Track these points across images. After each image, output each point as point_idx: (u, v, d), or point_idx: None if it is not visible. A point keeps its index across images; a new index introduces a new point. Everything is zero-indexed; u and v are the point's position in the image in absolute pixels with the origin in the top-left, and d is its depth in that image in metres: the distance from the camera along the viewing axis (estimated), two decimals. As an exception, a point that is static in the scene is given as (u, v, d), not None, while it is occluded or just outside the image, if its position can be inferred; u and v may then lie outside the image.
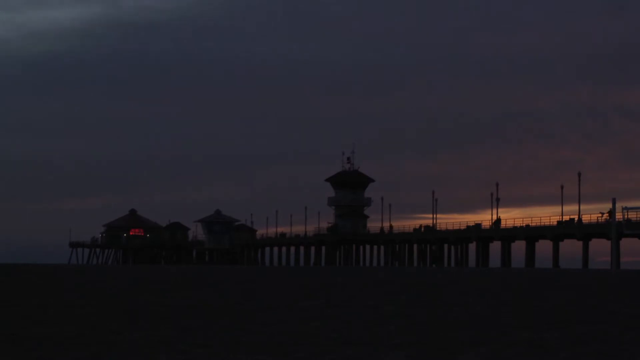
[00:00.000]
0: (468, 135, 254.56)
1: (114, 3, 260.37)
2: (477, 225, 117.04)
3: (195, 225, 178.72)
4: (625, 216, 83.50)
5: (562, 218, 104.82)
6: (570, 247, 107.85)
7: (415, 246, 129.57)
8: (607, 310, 18.61)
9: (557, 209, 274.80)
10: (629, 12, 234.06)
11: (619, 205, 77.62)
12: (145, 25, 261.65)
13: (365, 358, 10.59)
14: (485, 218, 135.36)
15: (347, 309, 18.57)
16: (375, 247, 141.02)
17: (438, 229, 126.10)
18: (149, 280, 39.57)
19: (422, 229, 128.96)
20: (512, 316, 16.68)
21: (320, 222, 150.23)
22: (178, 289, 29.02)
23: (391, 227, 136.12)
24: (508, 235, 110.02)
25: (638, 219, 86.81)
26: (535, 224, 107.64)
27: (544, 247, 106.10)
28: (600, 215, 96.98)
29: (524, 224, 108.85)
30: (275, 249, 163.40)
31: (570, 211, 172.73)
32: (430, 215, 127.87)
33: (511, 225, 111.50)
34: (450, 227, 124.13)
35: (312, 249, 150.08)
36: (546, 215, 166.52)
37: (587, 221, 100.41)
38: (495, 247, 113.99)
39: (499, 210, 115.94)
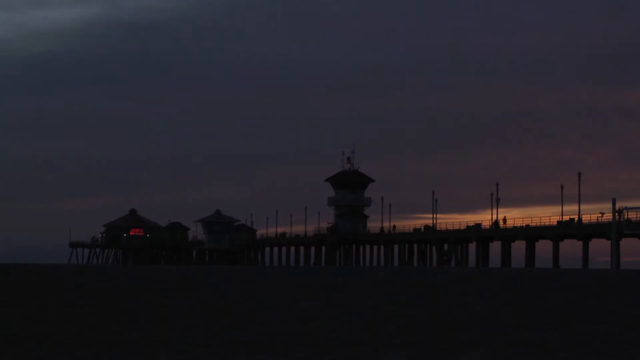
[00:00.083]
0: (468, 135, 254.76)
1: (114, 3, 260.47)
2: (477, 225, 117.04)
3: (195, 225, 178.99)
4: (625, 216, 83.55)
5: (562, 218, 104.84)
6: (570, 247, 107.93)
7: (415, 246, 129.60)
8: (607, 310, 18.61)
9: (557, 209, 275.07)
10: (629, 12, 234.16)
11: (618, 205, 77.63)
12: (145, 25, 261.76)
13: (365, 358, 10.59)
14: (485, 218, 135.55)
15: (347, 309, 18.57)
16: (375, 247, 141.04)
17: (438, 229, 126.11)
18: (149, 280, 39.57)
19: (423, 229, 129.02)
20: (512, 316, 16.68)
21: (320, 222, 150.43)
22: (178, 289, 29.02)
23: (394, 227, 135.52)
24: (508, 235, 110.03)
25: (638, 219, 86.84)
26: (535, 224, 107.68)
27: (544, 247, 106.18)
28: (600, 215, 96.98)
29: (524, 224, 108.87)
30: (275, 249, 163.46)
31: (570, 211, 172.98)
32: (430, 215, 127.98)
33: (511, 225, 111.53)
34: (450, 227, 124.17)
35: (312, 249, 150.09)
36: (546, 215, 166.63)
37: (587, 221, 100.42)
38: (495, 247, 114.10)
39: (499, 210, 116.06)
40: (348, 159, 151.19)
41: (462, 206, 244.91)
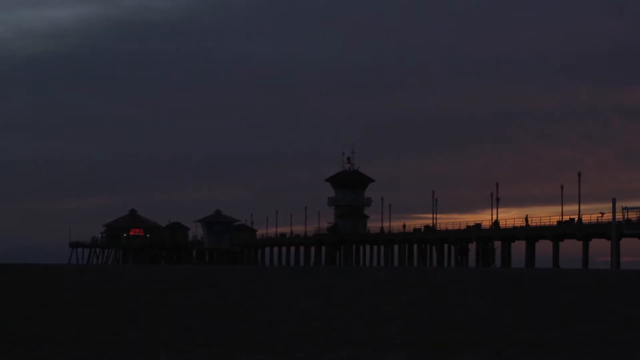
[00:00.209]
0: (468, 135, 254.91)
1: (114, 3, 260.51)
2: (477, 225, 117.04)
3: (195, 225, 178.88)
4: (625, 216, 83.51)
5: (562, 218, 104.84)
6: (570, 247, 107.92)
7: (415, 246, 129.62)
8: (607, 310, 18.61)
9: (557, 209, 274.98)
10: (629, 12, 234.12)
11: (618, 205, 77.62)
12: (145, 25, 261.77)
13: (365, 358, 10.59)
14: (485, 218, 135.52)
15: (347, 309, 18.57)
16: (375, 247, 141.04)
17: (438, 229, 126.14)
18: (149, 280, 39.57)
19: (422, 229, 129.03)
20: (512, 316, 16.68)
21: (320, 222, 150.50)
22: (178, 289, 29.02)
23: (404, 226, 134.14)
24: (508, 235, 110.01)
25: (638, 219, 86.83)
26: (535, 224, 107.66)
27: (544, 247, 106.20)
28: (600, 215, 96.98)
29: (524, 224, 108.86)
30: (275, 249, 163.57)
31: (570, 211, 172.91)
32: (430, 215, 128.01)
33: (511, 225, 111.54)
34: (450, 227, 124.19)
35: (312, 249, 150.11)
36: (546, 215, 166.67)
37: (587, 221, 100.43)
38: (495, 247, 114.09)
39: (499, 210, 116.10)
40: (348, 159, 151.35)
41: (462, 206, 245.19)
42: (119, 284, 35.38)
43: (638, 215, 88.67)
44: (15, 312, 17.99)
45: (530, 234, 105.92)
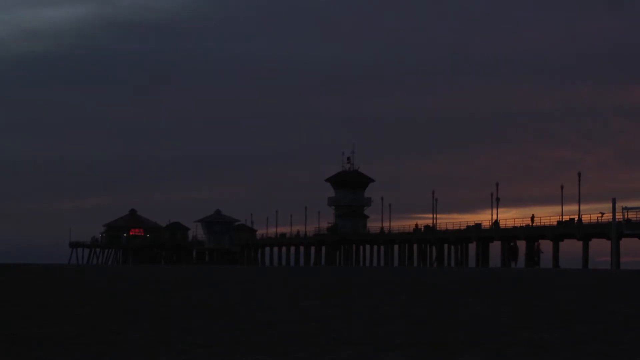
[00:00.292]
0: (468, 135, 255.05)
1: (113, 3, 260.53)
2: (477, 225, 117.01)
3: (195, 225, 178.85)
4: (625, 216, 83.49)
5: (562, 218, 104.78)
6: (570, 247, 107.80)
7: (415, 246, 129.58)
8: (607, 310, 18.60)
9: (557, 209, 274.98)
10: (629, 12, 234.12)
11: (618, 205, 77.68)
12: (145, 25, 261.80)
13: (365, 358, 10.59)
14: (485, 218, 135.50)
15: (347, 309, 18.56)
16: (375, 247, 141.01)
17: (438, 229, 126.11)
18: (149, 280, 39.56)
19: (422, 229, 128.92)
20: (512, 316, 16.67)
21: (320, 222, 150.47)
22: (178, 289, 29.01)
23: (417, 225, 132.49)
24: (508, 235, 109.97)
25: (638, 219, 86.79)
26: (535, 224, 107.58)
27: (544, 247, 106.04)
28: (600, 215, 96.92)
29: (524, 224, 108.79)
30: (275, 249, 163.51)
31: (570, 211, 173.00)
32: (430, 215, 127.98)
33: (511, 225, 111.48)
34: (450, 227, 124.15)
35: (312, 249, 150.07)
36: (546, 215, 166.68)
37: (587, 221, 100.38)
38: (496, 247, 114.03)
39: (499, 210, 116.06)
40: (348, 159, 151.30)
41: (462, 206, 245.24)
42: (119, 284, 35.37)
43: (638, 215, 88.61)
44: (15, 312, 17.98)
45: (530, 234, 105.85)
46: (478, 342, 12.08)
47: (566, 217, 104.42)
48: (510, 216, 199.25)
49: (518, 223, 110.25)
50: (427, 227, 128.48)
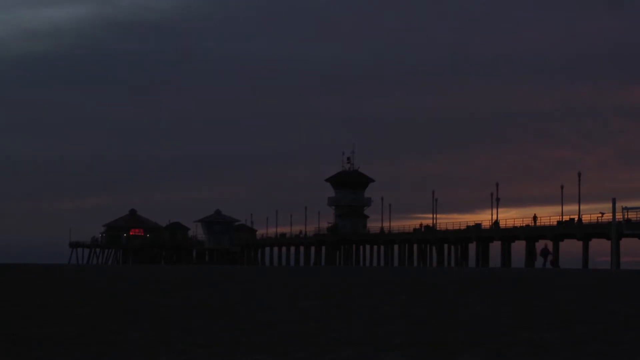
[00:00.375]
0: (468, 135, 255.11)
1: (113, 3, 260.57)
2: (477, 225, 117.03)
3: (195, 225, 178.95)
4: (625, 216, 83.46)
5: (562, 218, 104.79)
6: (570, 247, 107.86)
7: (415, 246, 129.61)
8: (607, 310, 18.60)
9: (557, 209, 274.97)
10: (629, 12, 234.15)
11: (618, 205, 77.60)
12: (145, 25, 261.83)
13: (365, 358, 10.59)
14: (485, 218, 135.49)
15: (347, 309, 18.56)
16: (375, 247, 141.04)
17: (438, 229, 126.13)
18: (149, 280, 39.55)
19: (422, 229, 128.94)
20: (512, 316, 16.67)
21: (320, 222, 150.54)
22: (178, 289, 29.01)
23: (421, 224, 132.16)
24: (508, 235, 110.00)
25: (638, 219, 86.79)
26: (536, 223, 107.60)
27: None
28: (600, 215, 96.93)
29: (524, 224, 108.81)
30: (275, 249, 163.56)
31: (570, 211, 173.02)
32: (430, 215, 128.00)
33: (511, 225, 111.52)
34: (450, 227, 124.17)
35: (312, 249, 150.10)
36: (546, 215, 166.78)
37: (587, 221, 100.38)
38: (495, 247, 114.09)
39: (499, 210, 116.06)
40: (348, 159, 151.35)
41: (462, 206, 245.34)
42: (119, 284, 35.37)
43: (638, 215, 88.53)
44: (15, 312, 17.98)
45: (530, 234, 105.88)
46: (478, 342, 12.08)
47: (566, 217, 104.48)
48: (510, 216, 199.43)
49: (518, 223, 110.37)
50: (427, 227, 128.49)
